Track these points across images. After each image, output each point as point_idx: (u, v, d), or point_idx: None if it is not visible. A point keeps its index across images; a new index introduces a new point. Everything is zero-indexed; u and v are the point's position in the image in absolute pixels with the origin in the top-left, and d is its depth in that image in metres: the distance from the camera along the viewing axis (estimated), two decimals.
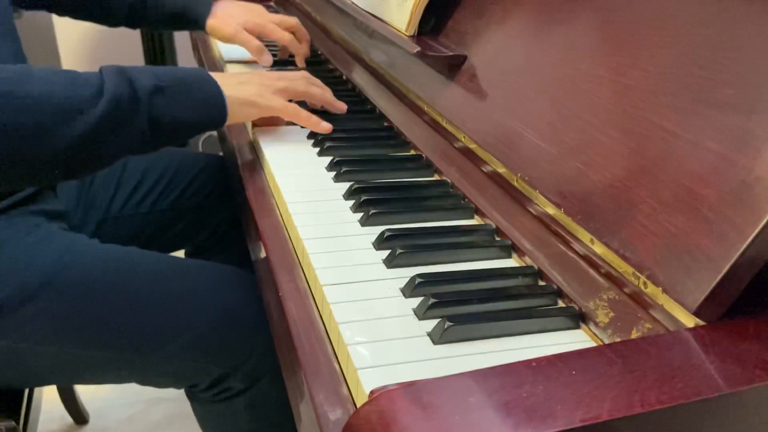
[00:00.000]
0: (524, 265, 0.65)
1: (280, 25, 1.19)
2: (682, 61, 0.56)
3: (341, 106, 0.98)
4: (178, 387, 0.91)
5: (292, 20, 1.22)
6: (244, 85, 0.87)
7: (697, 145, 0.52)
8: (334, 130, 0.93)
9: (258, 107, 0.87)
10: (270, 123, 0.97)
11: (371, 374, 0.50)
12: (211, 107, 0.83)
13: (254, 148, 0.95)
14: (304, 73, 0.96)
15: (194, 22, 1.19)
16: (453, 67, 0.85)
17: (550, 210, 0.63)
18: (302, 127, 0.97)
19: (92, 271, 0.83)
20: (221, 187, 1.14)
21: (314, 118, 0.91)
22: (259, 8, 1.23)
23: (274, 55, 1.25)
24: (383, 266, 0.64)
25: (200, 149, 2.51)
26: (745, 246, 0.45)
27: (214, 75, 0.85)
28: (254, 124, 0.97)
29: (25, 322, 0.78)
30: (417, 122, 0.92)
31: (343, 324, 0.56)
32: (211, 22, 1.18)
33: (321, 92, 0.95)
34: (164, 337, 0.82)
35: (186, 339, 0.83)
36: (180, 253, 1.17)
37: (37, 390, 0.97)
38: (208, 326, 0.84)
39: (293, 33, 1.21)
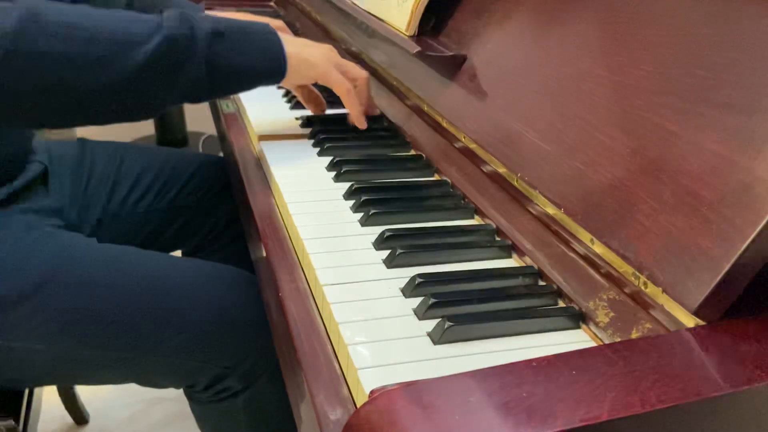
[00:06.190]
0: (524, 265, 0.65)
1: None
2: (683, 61, 0.56)
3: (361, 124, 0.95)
4: (176, 386, 0.91)
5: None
6: (308, 47, 0.89)
7: (697, 145, 0.52)
8: (334, 130, 0.93)
9: (317, 70, 0.88)
10: (314, 102, 0.98)
11: (371, 374, 0.50)
12: (269, 57, 0.84)
13: (254, 149, 0.95)
14: (367, 78, 0.94)
15: None
16: (453, 67, 0.85)
17: (550, 210, 0.63)
18: (303, 126, 0.97)
19: (89, 270, 0.83)
20: (217, 187, 1.14)
21: (359, 108, 0.92)
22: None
23: None
24: (383, 266, 0.64)
25: (200, 149, 2.51)
26: (745, 246, 0.45)
27: (280, 34, 0.86)
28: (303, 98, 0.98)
29: (21, 321, 0.78)
30: (417, 122, 0.92)
31: (343, 324, 0.56)
32: None
33: (360, 105, 0.93)
34: (161, 336, 0.82)
35: (183, 338, 0.82)
36: (177, 254, 1.17)
37: (37, 390, 0.97)
38: (206, 325, 0.84)
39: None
